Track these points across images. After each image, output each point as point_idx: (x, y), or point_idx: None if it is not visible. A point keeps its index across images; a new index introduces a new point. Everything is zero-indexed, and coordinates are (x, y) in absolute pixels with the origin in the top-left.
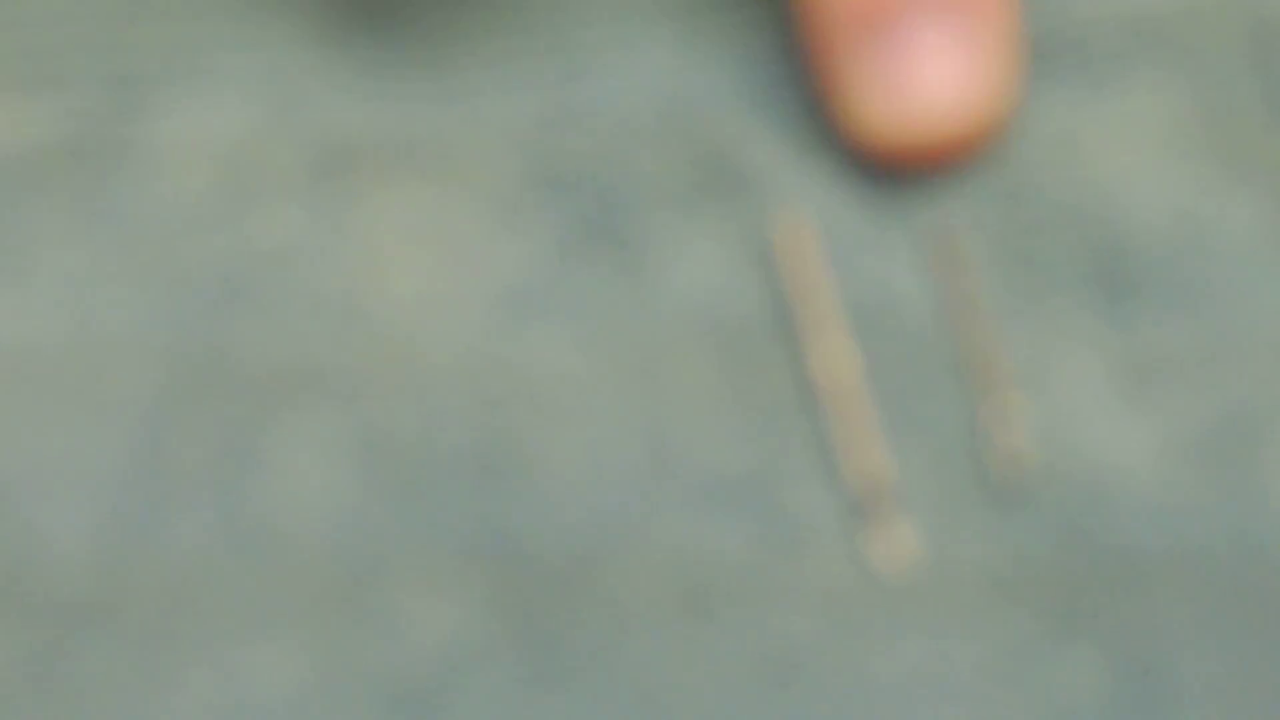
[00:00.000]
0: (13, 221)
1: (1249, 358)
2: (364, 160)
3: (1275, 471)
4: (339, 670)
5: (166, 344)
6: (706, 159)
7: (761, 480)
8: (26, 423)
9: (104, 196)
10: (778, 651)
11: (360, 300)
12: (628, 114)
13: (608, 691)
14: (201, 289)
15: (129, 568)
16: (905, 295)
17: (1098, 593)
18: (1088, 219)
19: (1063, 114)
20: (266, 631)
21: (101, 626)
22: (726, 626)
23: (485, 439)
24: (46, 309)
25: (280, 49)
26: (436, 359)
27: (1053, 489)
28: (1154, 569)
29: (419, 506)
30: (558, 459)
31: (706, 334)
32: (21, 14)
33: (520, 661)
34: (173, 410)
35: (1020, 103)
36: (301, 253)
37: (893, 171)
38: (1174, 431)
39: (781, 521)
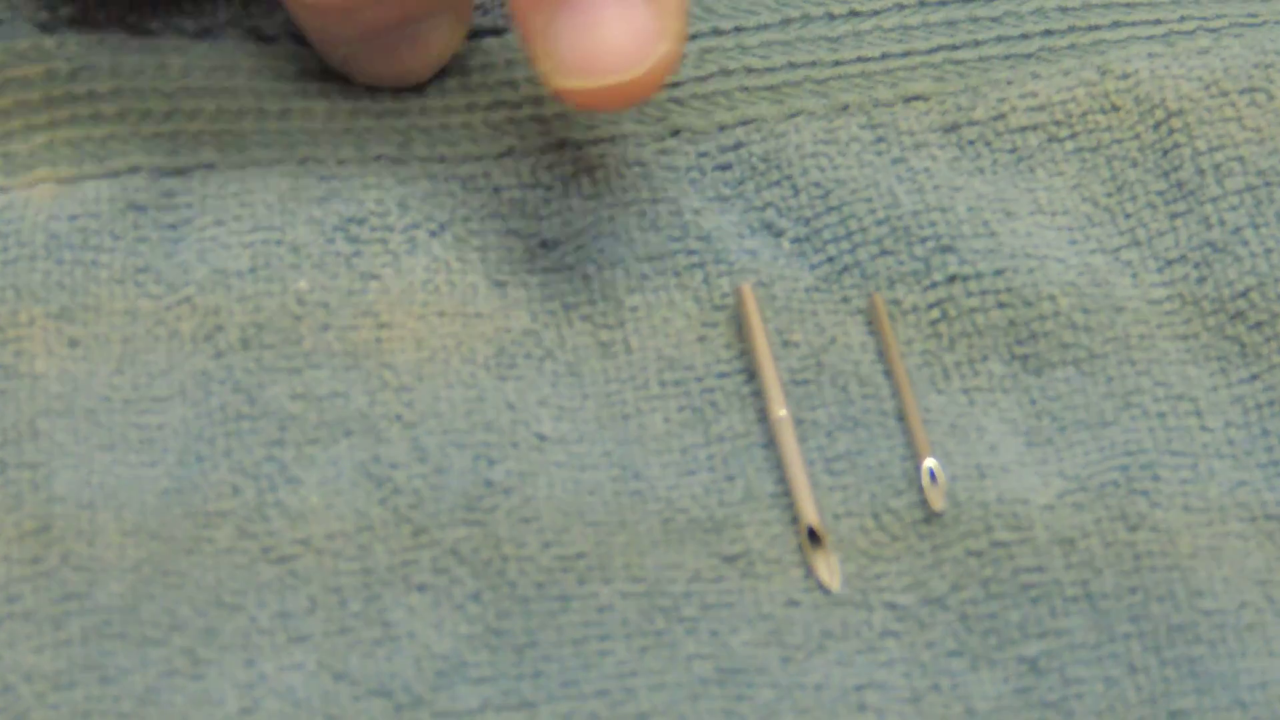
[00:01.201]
0: (65, 279)
1: (1149, 410)
2: (374, 231)
3: (1168, 507)
4: (342, 680)
5: (200, 386)
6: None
7: (722, 514)
8: (73, 456)
9: (149, 260)
10: (730, 668)
11: (373, 354)
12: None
13: (580, 701)
14: (233, 340)
15: (163, 587)
16: (849, 349)
17: (1011, 619)
18: (1008, 286)
19: (986, 192)
20: (284, 644)
21: (134, 642)
22: (687, 645)
23: (480, 477)
24: (95, 354)
25: (308, 137)
26: (439, 407)
27: (972, 525)
28: (1062, 599)
29: (417, 533)
30: (542, 494)
31: (675, 386)
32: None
33: (502, 674)
34: (205, 448)
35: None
36: (322, 311)
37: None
38: (1080, 475)
39: (739, 551)
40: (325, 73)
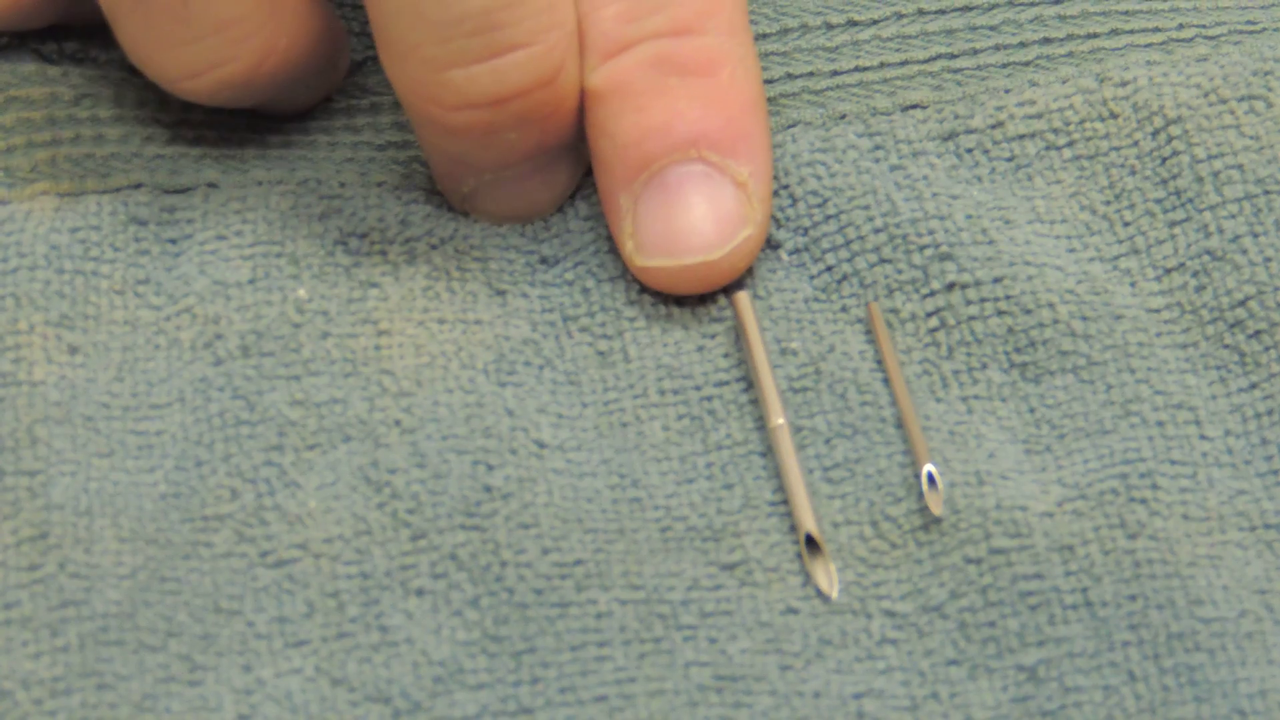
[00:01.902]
0: (65, 289)
1: (1148, 418)
2: (375, 244)
3: (1168, 516)
4: (340, 686)
5: (199, 393)
6: None
7: (720, 522)
8: (71, 463)
9: (150, 271)
10: (728, 675)
11: (372, 360)
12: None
13: (578, 707)
14: (233, 348)
15: (160, 593)
16: (847, 357)
17: (1010, 627)
18: (1007, 294)
19: (984, 200)
20: (282, 650)
21: (132, 648)
22: (686, 652)
23: (479, 483)
24: (95, 362)
25: (310, 164)
26: (438, 412)
27: (971, 532)
28: (1061, 607)
29: (416, 538)
30: (541, 501)
31: (674, 395)
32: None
33: (500, 680)
34: (204, 453)
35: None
36: (321, 318)
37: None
38: (1079, 483)
39: (737, 559)
40: (328, 112)
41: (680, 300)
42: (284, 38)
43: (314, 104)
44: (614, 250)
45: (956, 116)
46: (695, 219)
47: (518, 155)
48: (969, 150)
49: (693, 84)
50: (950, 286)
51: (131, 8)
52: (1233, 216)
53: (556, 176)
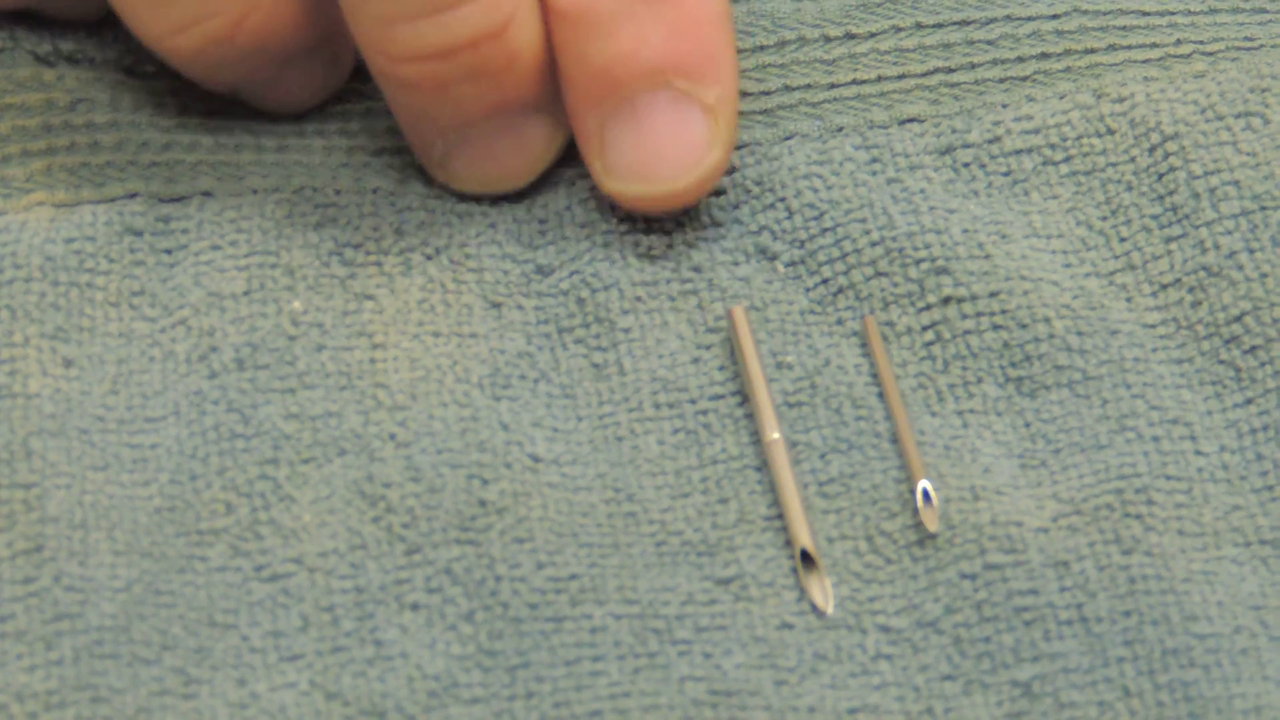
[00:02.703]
0: (60, 301)
1: (1143, 434)
2: (370, 254)
3: (1163, 531)
4: (334, 700)
5: (194, 406)
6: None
7: (715, 537)
8: (66, 476)
9: (145, 283)
10: (723, 690)
11: (367, 374)
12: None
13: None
14: (228, 360)
15: (155, 607)
16: (842, 371)
17: (1005, 642)
18: (1003, 309)
19: (981, 214)
20: (276, 663)
21: (126, 661)
22: (680, 667)
23: (473, 497)
24: (90, 375)
25: (305, 170)
26: (433, 426)
27: (966, 547)
28: (1055, 622)
29: (411, 552)
30: (535, 515)
31: (669, 408)
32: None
33: (494, 695)
34: (199, 466)
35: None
36: (316, 331)
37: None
38: (1074, 498)
39: (732, 574)
40: (322, 116)
41: (675, 311)
42: None
43: (316, 102)
44: (610, 257)
45: (954, 131)
46: (663, 145)
47: (478, 111)
48: (965, 165)
49: (658, 8)
50: (946, 300)
51: None
52: (1229, 232)
53: (527, 139)
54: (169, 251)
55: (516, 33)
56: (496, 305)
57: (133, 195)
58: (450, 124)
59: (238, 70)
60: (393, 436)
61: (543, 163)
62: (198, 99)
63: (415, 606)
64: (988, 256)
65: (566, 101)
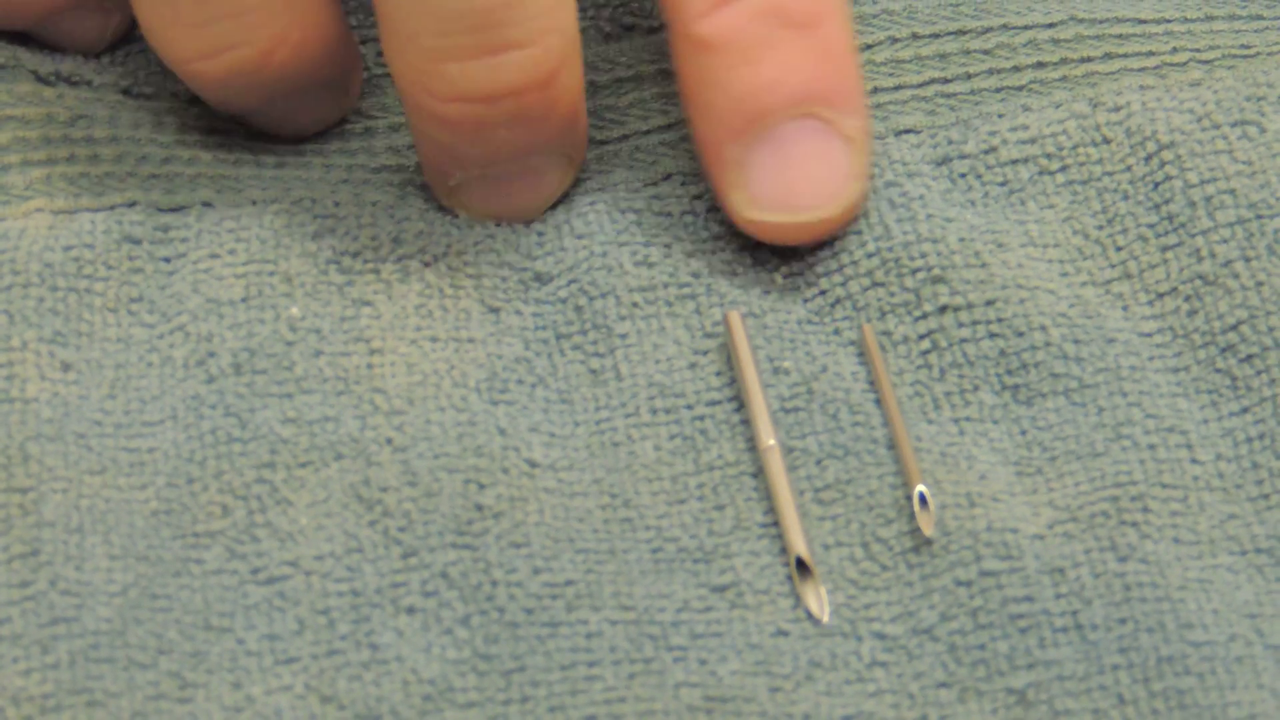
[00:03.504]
0: (59, 306)
1: (1139, 442)
2: (367, 262)
3: (1159, 539)
4: (330, 703)
5: (191, 410)
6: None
7: (711, 544)
8: (63, 480)
9: (144, 289)
10: (718, 696)
11: (364, 379)
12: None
13: None
14: (225, 365)
15: (151, 610)
16: (839, 377)
17: (1000, 649)
18: (999, 317)
19: (977, 224)
20: (272, 667)
21: (122, 665)
22: (675, 673)
23: (470, 502)
24: (87, 379)
25: (305, 184)
26: (430, 431)
27: (961, 554)
28: (1051, 629)
29: (407, 556)
30: (532, 520)
31: (666, 414)
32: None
33: (489, 699)
34: (195, 469)
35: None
36: (313, 336)
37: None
38: (1070, 505)
39: (728, 581)
40: (322, 135)
41: (673, 316)
42: (297, 31)
43: (320, 129)
44: (607, 265)
45: (950, 142)
46: (810, 175)
47: (506, 153)
48: (962, 175)
49: (801, 37)
50: (943, 309)
51: None
52: (1225, 241)
53: (543, 180)
54: (168, 259)
55: (561, 81)
56: (494, 310)
57: (132, 204)
58: (474, 161)
59: (256, 97)
60: (389, 441)
61: (553, 200)
62: (196, 118)
63: (411, 610)
64: (984, 265)
65: (700, 132)
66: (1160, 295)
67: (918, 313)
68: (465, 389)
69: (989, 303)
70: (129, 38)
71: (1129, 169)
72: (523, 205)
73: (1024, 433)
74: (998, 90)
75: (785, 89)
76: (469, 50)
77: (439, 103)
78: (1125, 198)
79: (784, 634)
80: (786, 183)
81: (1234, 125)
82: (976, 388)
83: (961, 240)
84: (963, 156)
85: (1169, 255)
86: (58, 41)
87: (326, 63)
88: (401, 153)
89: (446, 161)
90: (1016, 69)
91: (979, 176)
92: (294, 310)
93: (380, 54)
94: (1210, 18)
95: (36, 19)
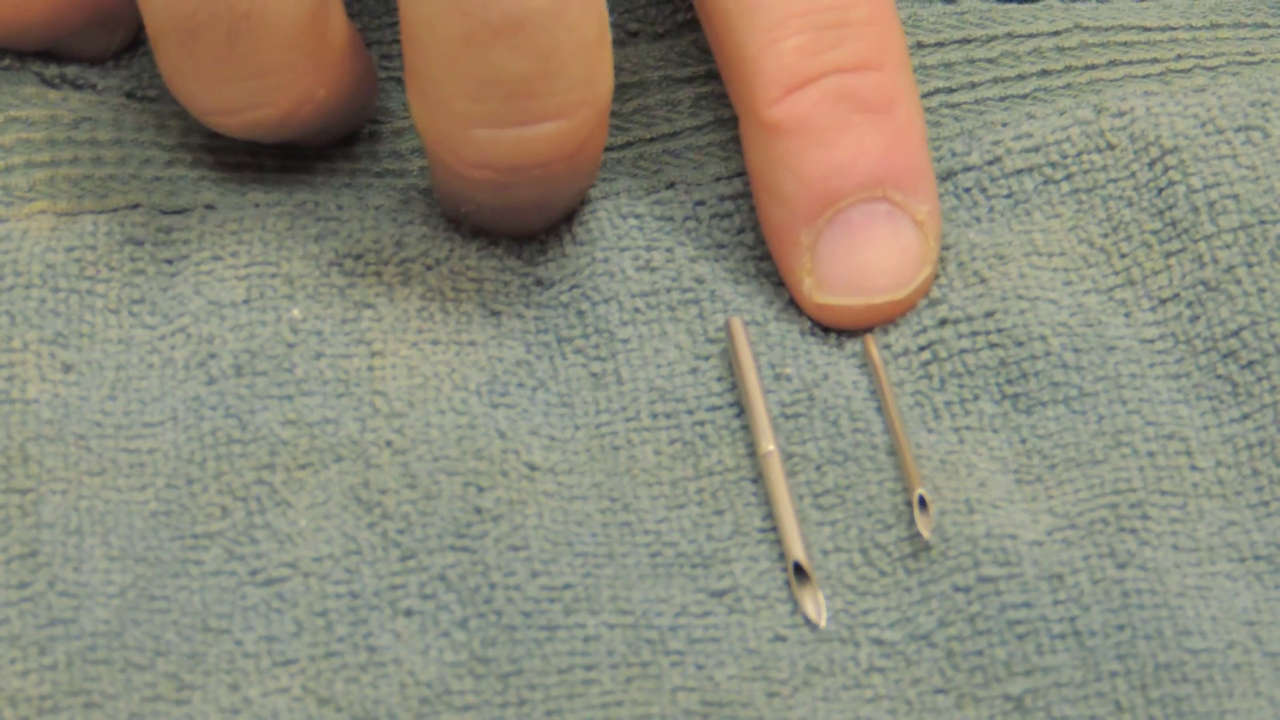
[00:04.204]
0: (60, 307)
1: (1139, 449)
2: (369, 265)
3: (1157, 546)
4: (327, 706)
5: (192, 411)
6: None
7: (710, 549)
8: (63, 481)
9: (145, 291)
10: (715, 701)
11: (365, 381)
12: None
13: None
14: (226, 367)
15: (149, 612)
16: (840, 385)
17: (998, 656)
18: (999, 327)
19: (979, 243)
20: (269, 668)
21: (120, 667)
22: (673, 677)
23: (469, 505)
24: (88, 380)
25: (308, 187)
26: (430, 433)
27: (960, 560)
28: (1049, 636)
29: (405, 558)
30: (531, 524)
31: (666, 419)
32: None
33: (486, 702)
34: (195, 470)
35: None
36: (314, 339)
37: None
38: (1069, 512)
39: (726, 586)
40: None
41: (675, 321)
42: (323, 88)
43: (332, 142)
44: (609, 271)
45: (954, 154)
46: (881, 258)
47: (522, 203)
48: (966, 190)
49: (874, 121)
50: (942, 323)
51: (179, 40)
52: (1227, 246)
53: (555, 211)
54: (170, 261)
55: (587, 151)
56: (496, 314)
57: (134, 206)
58: (491, 205)
59: (277, 140)
60: (389, 443)
61: (562, 218)
62: (200, 123)
63: (409, 613)
64: (983, 281)
65: (770, 216)
66: (1162, 301)
67: (918, 326)
68: (466, 392)
69: (988, 314)
70: (134, 42)
71: (1133, 175)
72: (531, 228)
73: (1024, 441)
74: (1002, 99)
75: (857, 172)
76: (501, 118)
77: (465, 167)
78: (1129, 204)
79: (782, 639)
80: (857, 266)
81: (1238, 130)
82: (976, 397)
83: (960, 265)
84: (967, 170)
85: (1172, 261)
86: (64, 55)
87: (351, 105)
88: (405, 157)
89: (460, 197)
90: (1021, 77)
91: (983, 190)
92: (295, 312)
93: (385, 56)
94: (1215, 25)
95: (42, 43)
